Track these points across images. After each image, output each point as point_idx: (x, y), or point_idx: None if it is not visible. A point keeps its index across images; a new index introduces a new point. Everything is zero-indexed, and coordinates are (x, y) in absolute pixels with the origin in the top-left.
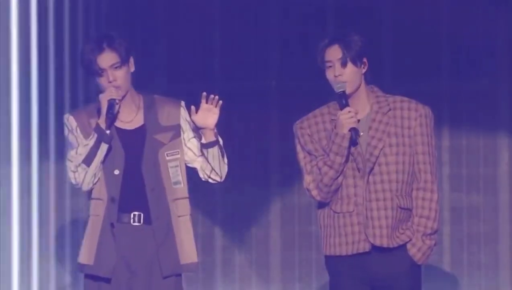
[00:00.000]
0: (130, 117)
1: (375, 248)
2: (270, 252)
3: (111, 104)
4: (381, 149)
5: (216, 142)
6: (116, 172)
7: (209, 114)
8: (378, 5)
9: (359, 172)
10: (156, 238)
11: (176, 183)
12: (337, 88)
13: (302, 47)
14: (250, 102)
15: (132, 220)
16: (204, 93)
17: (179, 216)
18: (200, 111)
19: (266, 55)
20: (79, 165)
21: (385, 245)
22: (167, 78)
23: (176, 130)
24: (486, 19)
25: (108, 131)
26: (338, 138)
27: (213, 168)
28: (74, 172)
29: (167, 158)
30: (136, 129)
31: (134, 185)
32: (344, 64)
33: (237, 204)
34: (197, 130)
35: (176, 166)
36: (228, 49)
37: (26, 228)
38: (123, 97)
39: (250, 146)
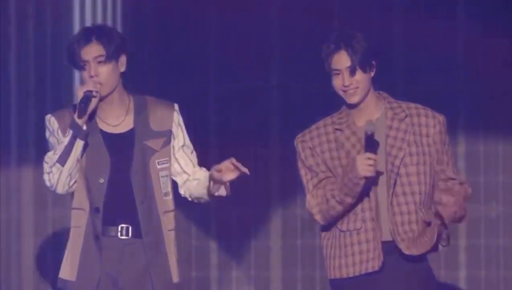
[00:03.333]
0: (118, 120)
1: (384, 267)
2: (270, 268)
3: (87, 96)
4: (402, 159)
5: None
6: (101, 180)
7: (228, 173)
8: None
9: (373, 183)
10: (146, 253)
11: (166, 194)
12: (366, 130)
13: (304, 45)
14: (250, 105)
15: (119, 233)
16: (233, 160)
17: (169, 230)
18: (223, 171)
19: (266, 54)
20: (54, 164)
21: (415, 253)
22: (159, 77)
23: (168, 136)
24: (505, 22)
25: (84, 127)
26: (351, 183)
27: (204, 199)
28: (48, 173)
29: (158, 167)
30: (124, 133)
31: (121, 195)
32: (353, 72)
33: (234, 215)
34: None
35: (167, 176)
36: (226, 47)
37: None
38: (108, 96)
39: (249, 152)
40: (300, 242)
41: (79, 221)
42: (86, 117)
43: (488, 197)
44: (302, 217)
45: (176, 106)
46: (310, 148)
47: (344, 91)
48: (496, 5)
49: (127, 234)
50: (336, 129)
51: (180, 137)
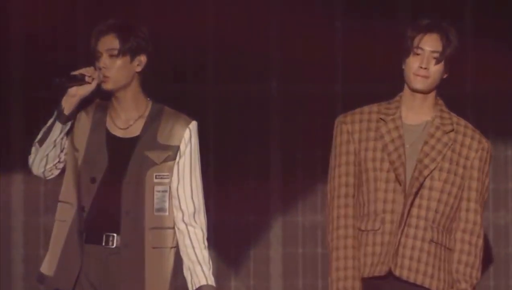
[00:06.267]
0: (126, 124)
1: (394, 276)
2: (270, 278)
3: (77, 76)
4: (432, 171)
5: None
6: (93, 181)
7: None
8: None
9: (400, 185)
10: (122, 268)
11: (160, 210)
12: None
13: (304, 46)
14: (249, 109)
15: (104, 242)
16: None
17: (154, 248)
18: None
19: (266, 55)
20: (34, 144)
21: (404, 278)
22: (156, 77)
23: (173, 152)
24: None
25: (66, 112)
26: None
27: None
28: (29, 153)
29: (155, 180)
30: (128, 139)
31: (110, 201)
32: (438, 61)
33: (233, 223)
34: None
35: (164, 191)
36: (224, 48)
37: None
38: (118, 94)
39: (249, 157)
40: (301, 251)
41: (65, 215)
42: (71, 100)
43: (497, 205)
44: (303, 225)
45: (193, 124)
46: (347, 132)
47: (417, 74)
48: None
49: (112, 243)
50: (381, 118)
51: (187, 158)
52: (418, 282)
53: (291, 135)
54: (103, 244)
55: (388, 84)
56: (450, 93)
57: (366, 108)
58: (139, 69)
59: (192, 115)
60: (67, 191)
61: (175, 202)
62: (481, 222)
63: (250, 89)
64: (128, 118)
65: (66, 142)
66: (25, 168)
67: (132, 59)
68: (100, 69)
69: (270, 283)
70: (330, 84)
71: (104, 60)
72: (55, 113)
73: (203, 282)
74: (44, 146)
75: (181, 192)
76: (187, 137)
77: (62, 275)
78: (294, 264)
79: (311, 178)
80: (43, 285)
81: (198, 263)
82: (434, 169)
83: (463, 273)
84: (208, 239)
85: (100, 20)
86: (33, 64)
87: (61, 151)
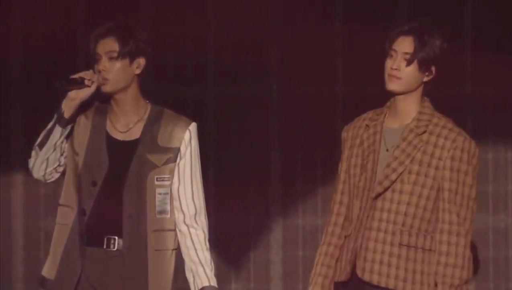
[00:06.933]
0: (126, 127)
1: (364, 281)
2: (270, 281)
3: (77, 80)
4: (400, 174)
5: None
6: (94, 184)
7: None
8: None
9: (363, 192)
10: (125, 270)
11: (162, 212)
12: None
13: (305, 48)
14: (248, 110)
15: (105, 245)
16: None
17: (156, 250)
18: None
19: (266, 57)
20: (34, 147)
21: (374, 283)
22: (154, 79)
23: (174, 154)
24: None
25: (66, 115)
26: None
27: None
28: (29, 157)
29: (156, 183)
30: (128, 142)
31: (111, 204)
32: (408, 62)
33: (233, 226)
34: None
35: (166, 193)
36: (224, 50)
37: None
38: (118, 97)
39: (249, 159)
40: (301, 254)
41: (65, 219)
42: (71, 103)
43: (497, 207)
44: (304, 228)
45: (192, 125)
46: (343, 140)
47: (389, 75)
48: None
49: (113, 246)
50: (367, 125)
51: (188, 160)
52: (391, 286)
53: (291, 138)
54: (105, 247)
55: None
56: (450, 95)
57: (363, 115)
58: (138, 71)
59: (192, 117)
60: (68, 194)
61: (176, 203)
62: (459, 221)
63: (250, 91)
64: (127, 121)
65: (66, 146)
66: (25, 170)
67: (131, 62)
68: (99, 72)
69: (270, 286)
70: (330, 86)
71: (104, 63)
72: (55, 116)
73: (206, 283)
74: (44, 149)
75: (182, 194)
76: (187, 139)
77: (63, 278)
78: (294, 267)
79: (311, 180)
80: (44, 288)
81: (200, 264)
82: (402, 172)
83: (442, 274)
84: (208, 241)
85: (100, 23)
86: (33, 65)
87: (61, 154)
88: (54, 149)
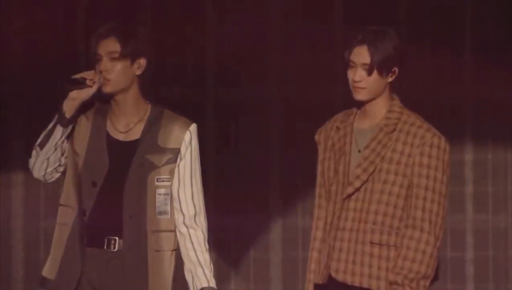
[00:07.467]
0: (127, 127)
1: (338, 282)
2: (270, 281)
3: (79, 80)
4: (370, 174)
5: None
6: (94, 185)
7: None
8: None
9: (336, 196)
10: (125, 271)
11: (162, 213)
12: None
13: (305, 50)
14: (248, 111)
15: (106, 245)
16: None
17: (156, 251)
18: None
19: (266, 59)
20: (35, 147)
21: (349, 283)
22: (152, 82)
23: (174, 154)
24: None
25: (67, 115)
26: None
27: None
28: (30, 157)
29: (156, 183)
30: (128, 142)
31: (111, 205)
32: (369, 72)
33: (233, 226)
34: None
35: (166, 194)
36: (224, 51)
37: None
38: (118, 97)
39: (248, 160)
40: (301, 255)
41: (65, 218)
42: (72, 103)
43: (497, 207)
44: (304, 228)
45: (192, 126)
46: (318, 142)
47: (353, 86)
48: None
49: (114, 247)
50: (337, 127)
51: (188, 160)
52: (365, 285)
53: (291, 138)
54: (105, 247)
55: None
56: (450, 95)
57: (334, 117)
58: (139, 72)
59: (192, 118)
60: (68, 194)
61: (175, 204)
62: (423, 217)
63: (251, 92)
64: (128, 122)
65: (66, 146)
66: (25, 170)
67: (132, 63)
68: (100, 72)
69: (270, 287)
70: (330, 88)
71: (105, 63)
72: (56, 116)
73: (205, 284)
74: (45, 149)
75: (182, 195)
76: (187, 140)
77: (63, 279)
78: (294, 268)
79: (311, 181)
80: (44, 288)
81: (200, 265)
82: (373, 171)
83: (400, 267)
84: (208, 242)
85: (101, 23)
86: (33, 65)
87: (62, 155)
88: (55, 149)
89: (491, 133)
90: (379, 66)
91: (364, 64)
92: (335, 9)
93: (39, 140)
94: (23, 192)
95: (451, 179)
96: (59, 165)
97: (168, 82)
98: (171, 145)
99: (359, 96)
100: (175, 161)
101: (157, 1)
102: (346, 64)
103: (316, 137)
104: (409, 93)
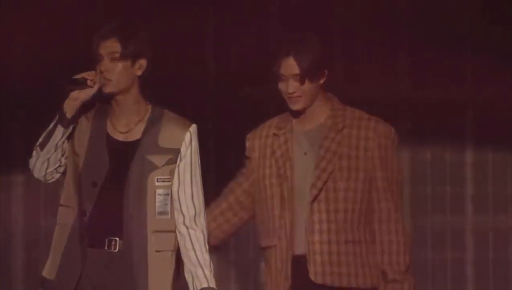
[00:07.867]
0: (127, 128)
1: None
2: None
3: (79, 80)
4: (331, 173)
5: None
6: (94, 185)
7: None
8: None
9: (284, 200)
10: (126, 271)
11: (162, 213)
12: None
13: None
14: (249, 112)
15: (107, 246)
16: None
17: (157, 251)
18: None
19: (266, 59)
20: (35, 147)
21: (328, 283)
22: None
23: (174, 155)
24: None
25: (68, 116)
26: None
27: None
28: (30, 157)
29: (157, 183)
30: (128, 142)
31: (111, 205)
32: (301, 82)
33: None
34: None
35: (166, 194)
36: (224, 52)
37: None
38: (119, 98)
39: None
40: None
41: (65, 218)
42: (73, 103)
43: (497, 208)
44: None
45: (193, 127)
46: (251, 149)
47: (289, 97)
48: None
49: (115, 247)
50: (274, 134)
51: (188, 161)
52: (344, 284)
53: None
54: (106, 248)
55: (387, 88)
56: (450, 96)
57: (267, 123)
58: (139, 73)
59: (192, 119)
60: (68, 194)
61: (175, 205)
62: (395, 207)
63: (251, 93)
64: (128, 122)
65: (67, 146)
66: (25, 170)
67: (133, 63)
68: (101, 72)
69: None
70: (330, 86)
71: (106, 64)
72: (57, 117)
73: (205, 285)
74: (46, 149)
75: (182, 195)
76: (187, 140)
77: (63, 279)
78: None
79: None
80: (44, 288)
81: (200, 265)
82: (332, 170)
83: (388, 262)
84: (208, 242)
85: (102, 24)
86: (33, 65)
87: (62, 155)
88: (56, 149)
89: (491, 133)
90: (309, 74)
91: (294, 75)
92: (335, 8)
93: (39, 140)
94: (23, 192)
95: (452, 179)
96: (60, 165)
97: (168, 83)
98: (171, 145)
99: (297, 106)
100: (175, 162)
101: (157, 1)
102: (277, 78)
103: (249, 143)
104: (409, 93)
